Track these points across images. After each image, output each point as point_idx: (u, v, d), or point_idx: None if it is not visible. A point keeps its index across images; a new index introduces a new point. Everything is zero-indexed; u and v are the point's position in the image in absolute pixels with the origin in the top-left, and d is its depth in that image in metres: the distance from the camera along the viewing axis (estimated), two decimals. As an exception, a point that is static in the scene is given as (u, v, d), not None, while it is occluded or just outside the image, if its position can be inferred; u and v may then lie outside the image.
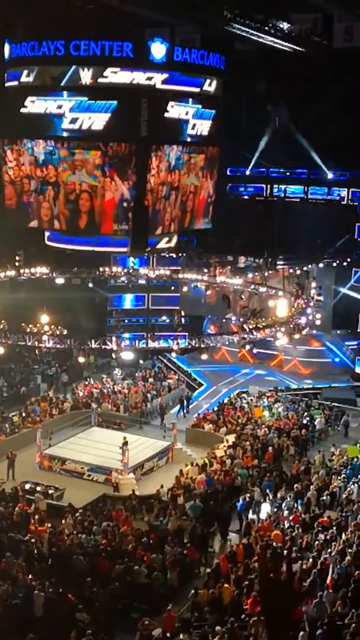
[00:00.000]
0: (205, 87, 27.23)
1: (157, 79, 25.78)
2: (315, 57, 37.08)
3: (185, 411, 36.90)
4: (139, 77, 25.65)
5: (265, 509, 24.67)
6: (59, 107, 26.06)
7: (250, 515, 24.79)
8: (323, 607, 17.67)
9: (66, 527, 23.18)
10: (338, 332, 44.20)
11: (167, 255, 41.86)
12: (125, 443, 29.27)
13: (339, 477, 26.84)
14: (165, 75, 25.82)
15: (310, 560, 20.17)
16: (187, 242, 40.95)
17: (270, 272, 40.64)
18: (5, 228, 30.98)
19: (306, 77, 40.06)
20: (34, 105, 26.45)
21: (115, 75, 25.52)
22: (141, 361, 43.65)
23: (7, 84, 27.31)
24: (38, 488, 26.72)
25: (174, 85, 26.19)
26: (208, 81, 27.35)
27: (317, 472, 27.67)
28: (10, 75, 27.25)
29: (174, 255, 42.53)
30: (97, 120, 25.94)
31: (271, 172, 46.77)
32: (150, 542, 22.36)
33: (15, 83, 26.95)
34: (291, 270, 42.68)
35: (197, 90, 26.82)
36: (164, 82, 25.87)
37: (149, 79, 25.74)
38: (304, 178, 46.15)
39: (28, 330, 30.70)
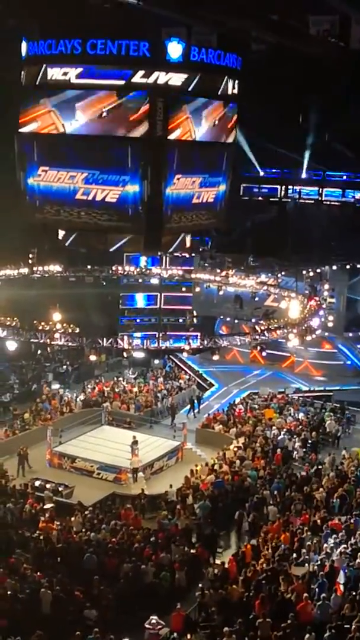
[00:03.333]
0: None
1: (72, 74, 25.61)
2: (332, 59, 36.90)
3: (195, 411, 36.90)
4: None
5: (274, 510, 24.64)
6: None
7: (259, 517, 24.78)
8: (327, 609, 17.64)
9: (75, 525, 23.25)
10: (350, 334, 44.07)
11: (179, 255, 41.88)
12: (135, 442, 29.33)
13: (349, 480, 26.76)
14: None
15: (319, 562, 20.12)
16: (200, 242, 40.98)
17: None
18: (18, 226, 31.08)
19: (323, 78, 39.90)
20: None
21: None
22: (156, 361, 43.67)
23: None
24: (48, 485, 26.80)
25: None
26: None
27: (327, 475, 27.60)
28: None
29: (187, 255, 42.54)
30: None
31: (285, 174, 46.73)
32: (158, 541, 22.38)
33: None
34: (304, 272, 42.59)
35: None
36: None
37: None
38: (318, 180, 46.04)
39: (40, 327, 30.78)
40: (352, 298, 43.82)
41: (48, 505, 24.80)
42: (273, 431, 32.22)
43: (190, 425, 33.52)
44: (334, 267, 42.78)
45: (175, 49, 25.21)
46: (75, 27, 26.45)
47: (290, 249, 41.66)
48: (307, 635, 16.28)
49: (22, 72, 26.94)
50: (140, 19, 30.40)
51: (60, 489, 26.79)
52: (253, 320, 39.37)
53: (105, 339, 29.67)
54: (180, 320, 44.00)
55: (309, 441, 31.65)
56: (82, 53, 25.24)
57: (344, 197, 45.48)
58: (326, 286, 41.80)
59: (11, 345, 29.74)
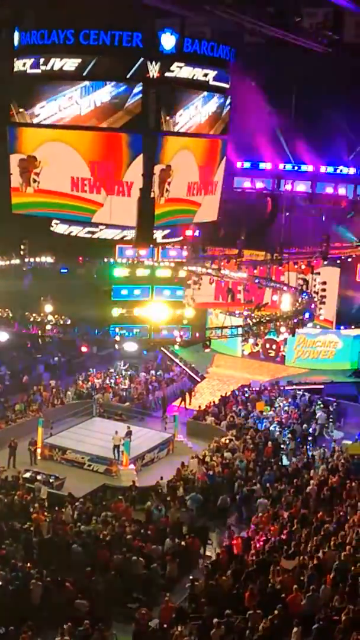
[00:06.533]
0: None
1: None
2: (326, 51, 36.83)
3: (187, 403, 36.93)
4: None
5: (265, 502, 24.72)
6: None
7: (250, 509, 24.87)
8: (316, 601, 17.71)
9: (65, 517, 23.25)
10: (342, 327, 44.09)
11: (172, 247, 41.71)
12: (129, 433, 29.40)
13: (339, 473, 26.85)
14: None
15: (308, 554, 20.19)
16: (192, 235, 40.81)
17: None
18: (10, 216, 30.95)
19: (315, 70, 39.81)
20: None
21: None
22: (144, 352, 43.60)
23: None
24: (38, 477, 26.81)
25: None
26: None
27: (317, 467, 27.70)
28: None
29: (180, 247, 42.40)
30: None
31: (278, 167, 46.54)
32: (148, 533, 22.41)
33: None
34: (296, 265, 42.53)
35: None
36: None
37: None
38: (311, 173, 45.92)
39: (32, 319, 30.69)
40: (344, 292, 43.80)
41: (44, 495, 24.89)
42: (264, 423, 32.30)
43: (182, 417, 33.58)
44: (325, 261, 42.70)
45: (168, 40, 25.20)
46: (69, 18, 26.37)
47: (282, 242, 41.56)
48: (295, 629, 16.33)
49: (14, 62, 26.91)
50: (134, 10, 30.30)
51: (51, 480, 26.79)
52: (244, 312, 39.32)
53: (96, 331, 29.65)
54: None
55: (299, 433, 31.77)
56: (75, 43, 25.16)
57: (336, 190, 45.36)
58: (318, 279, 41.74)
59: (2, 337, 29.61)
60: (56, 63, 25.58)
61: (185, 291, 42.76)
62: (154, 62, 25.97)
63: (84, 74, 25.86)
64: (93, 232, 29.10)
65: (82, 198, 27.27)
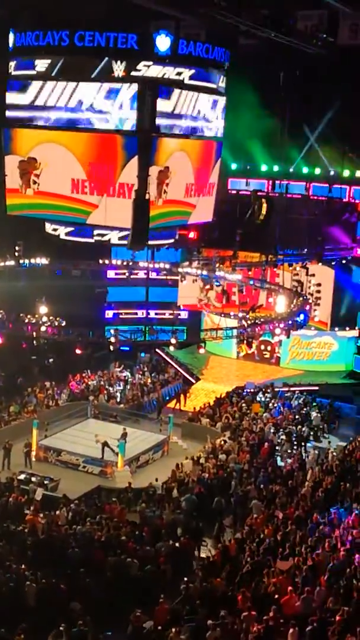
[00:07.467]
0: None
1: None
2: (320, 54, 36.88)
3: (182, 405, 36.93)
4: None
5: (259, 504, 24.72)
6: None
7: (244, 510, 24.87)
8: (311, 603, 17.73)
9: (60, 518, 23.22)
10: (337, 329, 44.16)
11: (167, 249, 41.75)
12: (124, 435, 29.40)
13: (334, 474, 26.89)
14: None
15: (303, 556, 20.21)
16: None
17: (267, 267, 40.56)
18: (4, 217, 30.87)
19: (310, 73, 39.88)
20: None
21: None
22: (142, 354, 43.62)
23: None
24: (33, 479, 26.78)
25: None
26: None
27: (311, 469, 27.73)
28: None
29: (174, 249, 42.43)
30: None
31: (273, 169, 46.62)
32: (143, 535, 22.40)
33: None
34: (291, 267, 42.58)
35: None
36: None
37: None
38: (306, 175, 46.01)
39: (26, 320, 30.66)
40: (339, 293, 43.88)
41: (38, 497, 24.86)
42: (259, 425, 32.32)
43: (177, 419, 33.58)
44: (320, 263, 42.77)
45: (163, 42, 25.13)
46: (64, 19, 26.36)
47: (277, 243, 41.63)
48: (291, 630, 16.35)
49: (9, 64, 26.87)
50: (129, 11, 30.31)
51: (45, 482, 26.76)
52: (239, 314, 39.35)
53: (91, 332, 29.66)
54: (167, 314, 43.91)
55: (294, 435, 31.80)
56: (69, 45, 25.12)
57: (330, 192, 45.43)
58: (313, 281, 41.82)
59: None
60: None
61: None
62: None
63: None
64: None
65: (80, 200, 27.22)
